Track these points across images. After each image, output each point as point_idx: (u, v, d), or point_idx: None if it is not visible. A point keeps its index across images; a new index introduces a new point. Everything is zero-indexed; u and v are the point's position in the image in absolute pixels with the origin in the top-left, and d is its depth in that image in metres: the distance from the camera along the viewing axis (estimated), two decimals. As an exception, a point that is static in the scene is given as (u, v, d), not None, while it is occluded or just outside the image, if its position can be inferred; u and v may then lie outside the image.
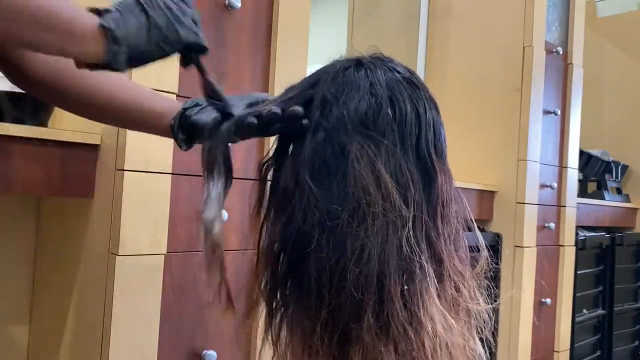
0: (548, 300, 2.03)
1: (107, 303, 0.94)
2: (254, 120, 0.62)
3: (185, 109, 0.70)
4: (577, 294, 2.20)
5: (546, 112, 2.03)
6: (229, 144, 0.64)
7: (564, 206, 2.11)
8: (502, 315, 1.91)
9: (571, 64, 2.16)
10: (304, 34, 1.22)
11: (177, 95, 1.01)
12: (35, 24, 0.53)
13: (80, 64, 0.58)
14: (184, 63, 0.62)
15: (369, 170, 0.57)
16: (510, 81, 1.97)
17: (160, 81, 0.97)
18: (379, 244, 0.56)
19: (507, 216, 1.94)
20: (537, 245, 1.98)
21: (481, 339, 0.63)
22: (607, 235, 2.44)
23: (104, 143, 0.99)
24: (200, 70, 0.63)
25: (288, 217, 0.60)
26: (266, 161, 0.66)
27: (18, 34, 0.53)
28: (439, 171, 0.61)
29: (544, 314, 2.03)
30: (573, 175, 2.17)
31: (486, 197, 1.95)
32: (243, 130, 0.64)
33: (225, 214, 1.06)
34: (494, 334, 0.66)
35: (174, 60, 0.63)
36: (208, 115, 0.67)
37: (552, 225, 2.05)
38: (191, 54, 0.61)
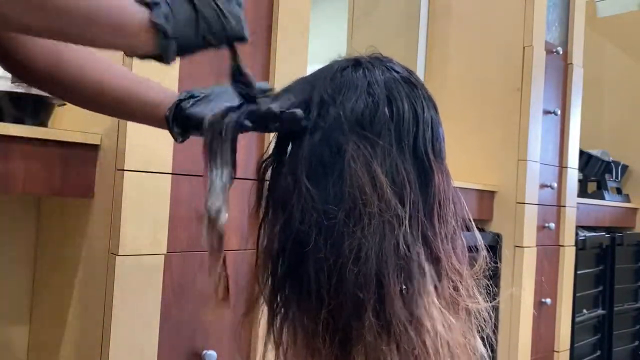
0: (548, 300, 2.03)
1: (107, 303, 0.94)
2: (249, 124, 0.62)
3: (180, 101, 0.69)
4: (577, 294, 2.20)
5: (546, 112, 2.03)
6: (237, 134, 0.63)
7: (564, 206, 2.11)
8: (502, 315, 1.91)
9: (571, 64, 2.16)
10: (304, 34, 1.22)
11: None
12: (86, 22, 0.53)
13: (131, 54, 0.59)
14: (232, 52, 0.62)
15: (365, 170, 0.57)
16: (510, 81, 1.97)
17: (161, 79, 0.97)
18: (376, 244, 0.56)
19: (507, 216, 1.94)
20: (537, 245, 1.97)
21: (482, 338, 0.63)
22: (607, 235, 2.44)
23: (104, 143, 0.99)
24: (234, 56, 0.62)
25: (286, 218, 0.60)
26: (264, 160, 0.66)
27: (66, 31, 0.53)
28: (436, 171, 0.61)
29: (544, 314, 2.03)
30: (573, 175, 2.17)
31: (486, 197, 1.95)
32: (260, 122, 0.62)
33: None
34: (495, 333, 0.66)
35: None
36: (204, 107, 0.67)
37: (552, 225, 2.05)
38: (232, 43, 0.61)
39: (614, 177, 2.72)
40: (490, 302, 0.64)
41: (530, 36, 1.94)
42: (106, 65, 0.73)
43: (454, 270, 0.60)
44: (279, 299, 0.62)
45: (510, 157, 1.95)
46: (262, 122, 0.62)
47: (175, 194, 1.01)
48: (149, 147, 0.97)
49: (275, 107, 0.62)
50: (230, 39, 0.60)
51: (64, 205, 1.10)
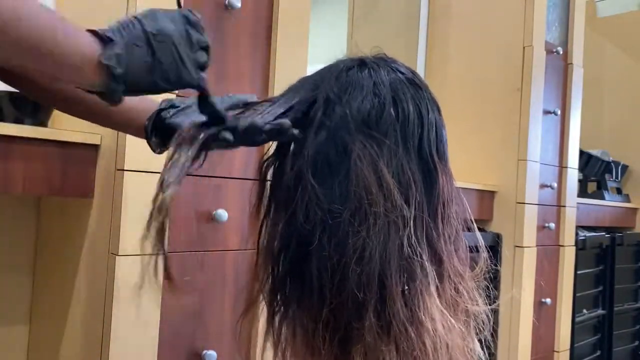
0: (548, 300, 2.03)
1: (107, 303, 0.94)
2: (229, 137, 0.58)
3: (160, 110, 0.68)
4: (577, 294, 2.20)
5: (546, 112, 2.03)
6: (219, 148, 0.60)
7: (564, 206, 2.11)
8: (502, 316, 1.91)
9: (571, 64, 2.16)
10: (304, 34, 1.22)
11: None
12: (26, 51, 0.48)
13: (77, 87, 0.55)
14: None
15: (371, 169, 0.57)
16: (510, 81, 1.97)
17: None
18: (381, 244, 0.56)
19: (507, 216, 1.94)
20: (537, 245, 1.97)
21: (480, 340, 0.63)
22: (607, 235, 2.44)
23: (104, 143, 0.99)
24: (201, 94, 0.59)
25: (290, 216, 0.60)
26: (266, 159, 0.65)
27: (5, 59, 0.50)
28: (440, 172, 0.61)
29: (544, 314, 2.03)
30: (573, 175, 2.17)
31: (486, 197, 1.95)
32: (218, 144, 0.59)
33: (225, 214, 1.06)
34: (493, 334, 0.66)
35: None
36: (185, 118, 0.64)
37: (552, 225, 2.05)
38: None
39: (614, 177, 2.72)
40: (490, 305, 0.64)
41: (530, 36, 1.94)
42: None
43: (456, 272, 0.61)
44: (279, 297, 0.62)
45: (510, 157, 1.95)
46: (246, 136, 0.59)
47: (175, 194, 1.01)
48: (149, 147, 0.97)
49: (259, 120, 0.59)
50: (186, 87, 0.56)
51: (64, 205, 1.10)
